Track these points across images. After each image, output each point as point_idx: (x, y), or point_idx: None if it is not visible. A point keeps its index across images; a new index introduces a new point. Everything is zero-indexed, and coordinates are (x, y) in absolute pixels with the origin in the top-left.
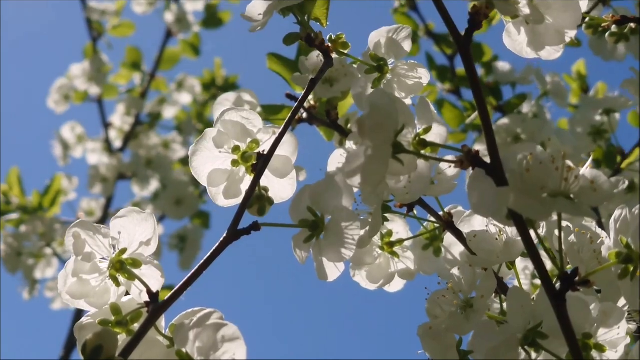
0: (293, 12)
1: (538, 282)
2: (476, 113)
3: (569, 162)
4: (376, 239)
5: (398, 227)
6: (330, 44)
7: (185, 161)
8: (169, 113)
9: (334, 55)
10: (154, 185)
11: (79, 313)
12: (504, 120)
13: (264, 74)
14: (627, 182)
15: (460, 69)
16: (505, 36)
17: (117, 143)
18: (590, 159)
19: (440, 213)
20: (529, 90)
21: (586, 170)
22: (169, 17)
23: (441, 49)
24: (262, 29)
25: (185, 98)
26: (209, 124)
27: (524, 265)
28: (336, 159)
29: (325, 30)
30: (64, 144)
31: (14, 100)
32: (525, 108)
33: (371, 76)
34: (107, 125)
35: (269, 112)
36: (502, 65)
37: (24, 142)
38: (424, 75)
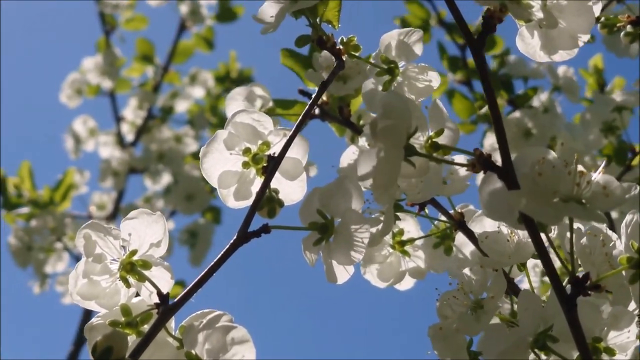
0: (305, 14)
1: (548, 279)
2: (487, 107)
3: (581, 167)
4: (387, 237)
5: (409, 225)
6: (341, 47)
7: (197, 155)
8: (182, 107)
9: (345, 58)
10: (166, 179)
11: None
12: (515, 114)
13: (278, 68)
14: (639, 188)
15: (471, 59)
16: (518, 40)
17: (129, 137)
18: (604, 162)
19: (452, 212)
20: (540, 84)
21: (598, 175)
22: (184, 8)
23: (453, 39)
24: (273, 31)
25: (198, 92)
26: (223, 117)
27: (533, 263)
28: (348, 157)
29: (337, 32)
30: (75, 137)
31: (26, 94)
32: (536, 102)
33: (382, 78)
34: (119, 119)
35: (281, 107)
36: (514, 59)
37: (36, 135)
38: (435, 79)
